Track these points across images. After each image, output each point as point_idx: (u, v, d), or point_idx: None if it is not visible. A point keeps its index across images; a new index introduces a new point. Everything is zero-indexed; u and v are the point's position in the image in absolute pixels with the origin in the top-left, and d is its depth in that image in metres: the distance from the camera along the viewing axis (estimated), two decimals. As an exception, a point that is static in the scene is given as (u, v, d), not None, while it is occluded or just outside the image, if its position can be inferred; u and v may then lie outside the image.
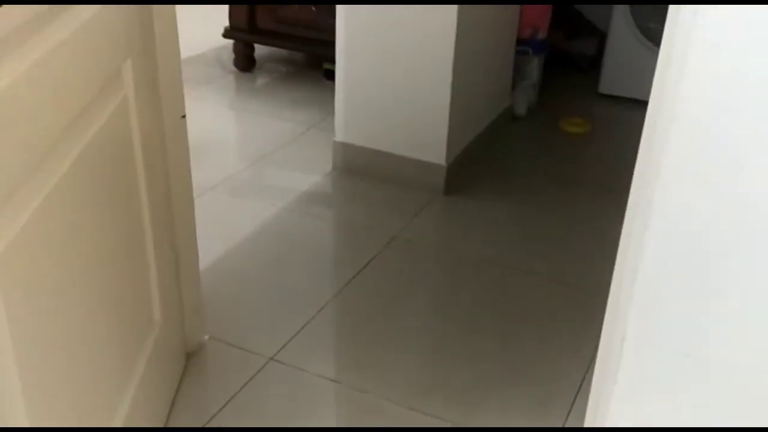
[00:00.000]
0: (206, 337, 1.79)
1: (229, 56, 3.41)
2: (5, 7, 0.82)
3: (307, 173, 2.52)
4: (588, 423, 1.20)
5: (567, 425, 1.60)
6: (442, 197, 2.43)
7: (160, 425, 1.53)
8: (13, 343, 0.86)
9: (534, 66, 3.01)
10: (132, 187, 1.33)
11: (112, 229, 1.23)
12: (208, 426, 1.56)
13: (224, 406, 1.61)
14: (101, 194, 1.17)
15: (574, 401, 1.65)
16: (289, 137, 2.78)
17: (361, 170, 2.51)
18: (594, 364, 1.18)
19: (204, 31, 3.53)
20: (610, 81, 3.20)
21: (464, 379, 1.72)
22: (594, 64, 3.37)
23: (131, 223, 1.34)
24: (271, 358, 1.75)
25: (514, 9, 2.77)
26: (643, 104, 1.05)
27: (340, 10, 2.35)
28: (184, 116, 1.55)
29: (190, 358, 1.74)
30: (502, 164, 2.68)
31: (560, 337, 1.86)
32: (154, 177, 1.43)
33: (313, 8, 3.08)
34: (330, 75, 2.53)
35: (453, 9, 2.21)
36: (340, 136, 2.52)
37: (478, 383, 1.71)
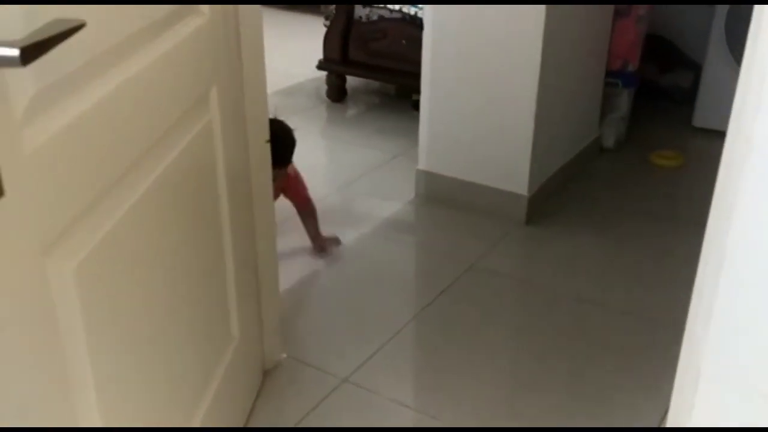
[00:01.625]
0: (284, 355, 1.84)
1: (322, 87, 3.52)
2: (99, 29, 0.89)
3: (391, 200, 2.56)
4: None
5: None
6: (523, 227, 2.42)
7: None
8: (89, 351, 0.92)
9: (624, 98, 2.97)
10: (214, 209, 1.40)
11: (192, 247, 1.29)
12: (280, 442, 1.60)
13: (298, 422, 1.65)
14: (183, 212, 1.23)
15: (650, 439, 1.60)
16: (375, 165, 2.83)
17: (443, 198, 2.53)
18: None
19: (301, 63, 3.66)
20: (704, 114, 3.12)
21: (537, 411, 1.69)
22: (688, 97, 3.28)
23: (212, 243, 1.41)
24: (345, 380, 1.78)
25: (603, 40, 2.74)
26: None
27: (427, 41, 2.40)
28: (268, 141, 1.62)
29: (268, 376, 1.78)
30: (587, 196, 2.64)
31: (638, 373, 1.81)
32: (237, 199, 1.49)
33: (404, 41, 3.14)
34: (418, 106, 2.57)
35: (539, 39, 2.22)
36: (423, 164, 2.55)
37: (551, 415, 1.68)
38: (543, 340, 1.93)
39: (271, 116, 2.04)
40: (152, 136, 1.08)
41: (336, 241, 2.26)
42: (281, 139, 2.07)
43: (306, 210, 2.25)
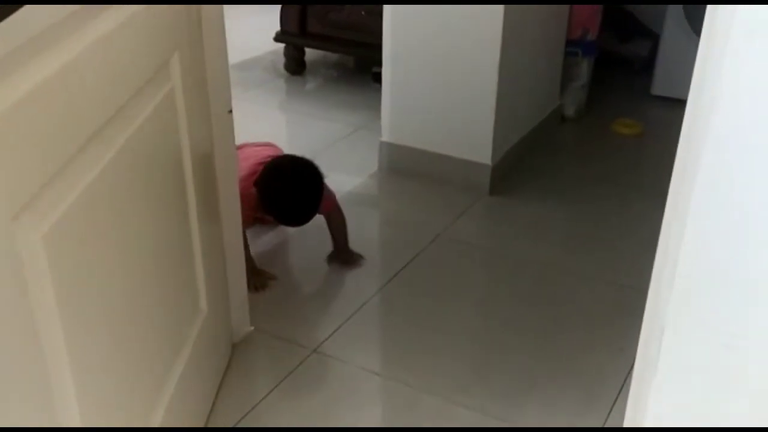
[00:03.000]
0: (251, 328, 1.83)
1: (280, 60, 3.48)
2: (57, -4, 0.87)
3: (354, 174, 2.55)
4: (629, 413, 1.19)
5: (608, 422, 1.58)
6: (487, 197, 2.43)
7: (206, 411, 1.57)
8: (60, 318, 0.90)
9: (584, 67, 2.99)
10: (179, 179, 1.38)
11: (158, 218, 1.27)
12: (254, 409, 1.60)
13: (268, 395, 1.64)
14: (147, 183, 1.21)
15: (616, 398, 1.63)
16: (337, 138, 2.82)
17: (407, 170, 2.52)
18: (635, 360, 1.17)
19: (257, 36, 3.61)
20: (663, 82, 3.16)
21: (506, 376, 1.71)
22: (647, 66, 3.32)
23: (178, 214, 1.39)
24: (315, 350, 1.78)
25: (562, 10, 2.75)
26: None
27: (387, 12, 2.38)
28: (230, 111, 1.59)
29: (236, 349, 1.77)
30: (550, 165, 2.66)
31: (604, 336, 1.84)
32: (201, 170, 1.47)
33: (363, 12, 3.11)
34: (378, 78, 2.56)
35: (499, 10, 2.22)
36: (386, 136, 2.55)
37: (521, 379, 1.70)
38: (510, 306, 1.95)
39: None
40: (116, 103, 1.05)
41: (361, 257, 2.11)
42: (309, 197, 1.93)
43: (337, 218, 2.09)
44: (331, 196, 2.08)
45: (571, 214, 2.37)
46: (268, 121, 3.03)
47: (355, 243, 2.13)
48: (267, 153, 2.09)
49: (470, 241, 2.24)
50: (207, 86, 1.50)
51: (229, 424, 1.56)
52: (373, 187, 2.52)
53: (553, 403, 1.63)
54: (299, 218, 1.97)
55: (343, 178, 2.46)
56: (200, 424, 1.54)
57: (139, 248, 1.18)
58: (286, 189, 1.92)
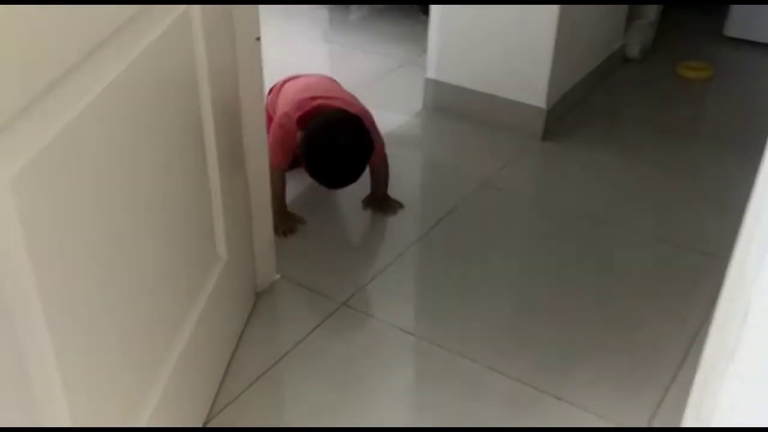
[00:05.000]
0: (277, 276, 1.71)
1: (324, -12, 3.28)
2: None
3: (396, 112, 2.38)
4: (693, 403, 1.03)
5: (665, 404, 1.42)
6: (539, 143, 2.25)
7: (224, 362, 1.46)
8: (36, 276, 0.78)
9: (651, 5, 2.73)
10: (194, 113, 1.23)
11: (167, 159, 1.13)
12: (274, 366, 1.48)
13: (292, 349, 1.53)
14: (156, 116, 1.07)
15: (675, 376, 1.47)
16: (379, 73, 2.64)
17: (453, 111, 2.34)
18: (702, 334, 1.01)
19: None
20: (737, 23, 2.89)
21: (551, 341, 1.57)
22: (720, 4, 3.04)
23: (192, 155, 1.25)
24: (344, 303, 1.65)
25: (633, -62, 2.50)
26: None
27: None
28: (258, 38, 1.43)
29: (260, 297, 1.66)
30: (609, 110, 2.45)
31: (664, 303, 1.67)
32: (222, 103, 1.32)
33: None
34: (427, 9, 2.36)
35: (563, -67, 1.99)
36: (432, 73, 2.36)
37: (567, 346, 1.55)
38: (559, 265, 1.79)
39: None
40: (115, 20, 0.90)
41: (399, 205, 1.95)
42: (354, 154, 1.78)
43: (381, 168, 1.94)
44: (380, 147, 1.92)
45: (632, 164, 2.18)
46: (309, 53, 2.86)
47: (393, 188, 1.98)
48: (321, 86, 1.95)
49: (519, 190, 2.07)
50: (231, 9, 1.34)
51: (250, 379, 1.45)
52: (416, 128, 2.35)
53: (601, 376, 1.48)
54: (342, 184, 1.84)
55: (385, 117, 2.28)
56: (218, 375, 1.44)
57: (142, 191, 1.04)
58: (331, 158, 1.78)
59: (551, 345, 1.55)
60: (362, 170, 1.82)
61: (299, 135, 1.81)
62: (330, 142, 1.77)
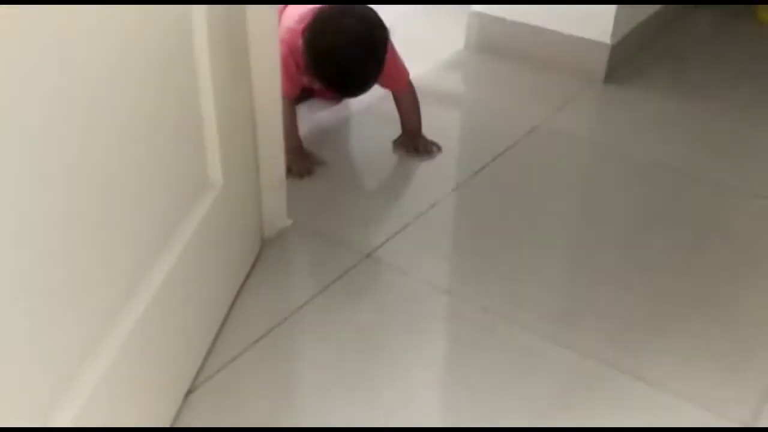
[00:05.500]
0: (289, 222, 1.43)
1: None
2: None
3: (434, 51, 2.07)
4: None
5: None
6: (600, 85, 1.93)
7: (218, 314, 1.19)
8: None
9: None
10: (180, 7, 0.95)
11: (141, 55, 0.86)
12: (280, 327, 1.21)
13: (304, 305, 1.25)
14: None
15: (779, 353, 1.17)
16: (421, 9, 2.32)
17: (501, 48, 2.03)
18: None
19: None
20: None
21: (626, 309, 1.27)
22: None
23: (176, 53, 0.97)
24: (368, 255, 1.37)
25: None
26: None
27: None
28: None
29: (267, 245, 1.38)
30: (678, 53, 2.13)
31: (756, 265, 1.37)
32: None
33: None
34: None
35: None
36: (478, 5, 2.05)
37: (646, 316, 1.26)
38: (625, 220, 1.49)
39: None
40: None
41: (436, 147, 1.66)
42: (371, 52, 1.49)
43: (409, 96, 1.65)
44: (400, 68, 1.63)
45: (702, 111, 1.85)
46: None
47: (430, 131, 1.68)
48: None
49: (576, 134, 1.77)
50: None
51: (249, 339, 1.18)
52: (458, 68, 2.05)
53: (692, 354, 1.18)
54: (353, 82, 1.52)
55: (422, 55, 1.99)
56: (209, 331, 1.16)
57: (99, 95, 0.77)
58: (337, 42, 1.47)
59: (625, 314, 1.26)
60: (378, 64, 1.50)
61: (301, 43, 1.51)
62: (336, 24, 1.48)
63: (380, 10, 1.55)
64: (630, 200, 1.54)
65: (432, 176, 1.61)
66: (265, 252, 1.37)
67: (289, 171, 1.49)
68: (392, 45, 1.57)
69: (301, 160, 1.57)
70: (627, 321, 1.24)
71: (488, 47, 2.06)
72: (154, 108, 0.92)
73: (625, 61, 1.98)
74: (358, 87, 1.54)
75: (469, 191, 1.56)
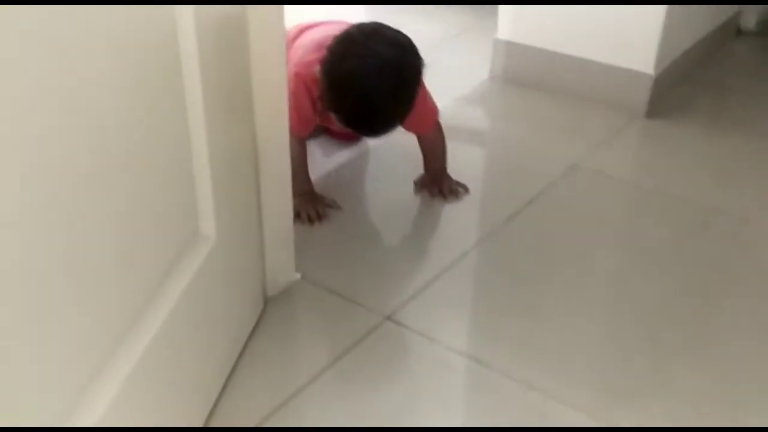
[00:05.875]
0: (297, 276, 1.24)
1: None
2: None
3: (455, 80, 1.89)
4: None
5: None
6: (643, 120, 1.75)
7: (211, 393, 1.00)
8: None
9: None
10: (169, 31, 0.78)
11: (125, 89, 0.68)
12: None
13: (316, 378, 1.06)
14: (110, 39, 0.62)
15: None
16: (440, 38, 2.15)
17: (530, 79, 1.86)
18: None
19: None
20: None
21: (690, 389, 1.07)
22: None
23: (163, 86, 0.79)
24: (388, 317, 1.18)
25: None
26: None
27: None
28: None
29: (272, 303, 1.19)
30: (721, 86, 1.95)
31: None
32: (214, 18, 0.87)
33: None
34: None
35: None
36: (504, 32, 1.88)
37: (714, 396, 1.06)
38: (671, 270, 1.30)
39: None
40: None
41: (463, 188, 1.47)
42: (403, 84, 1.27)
43: (434, 135, 1.46)
44: (430, 107, 1.44)
45: (751, 150, 1.66)
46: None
47: (454, 172, 1.51)
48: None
49: (619, 175, 1.58)
50: None
51: (249, 421, 0.99)
52: (482, 100, 1.87)
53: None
54: (376, 119, 1.28)
55: (441, 87, 1.79)
56: (200, 412, 0.97)
57: (71, 137, 0.59)
58: (361, 68, 1.24)
59: (694, 397, 1.06)
60: (408, 100, 1.27)
61: (318, 71, 1.30)
62: (360, 47, 1.25)
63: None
64: (685, 253, 1.35)
65: (459, 223, 1.43)
66: (268, 313, 1.18)
67: (297, 216, 1.31)
68: (423, 84, 1.37)
69: (311, 204, 1.38)
70: (696, 407, 1.04)
71: (515, 78, 1.88)
72: (132, 147, 0.74)
73: (667, 94, 1.80)
74: (381, 125, 1.30)
75: (501, 241, 1.37)
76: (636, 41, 1.71)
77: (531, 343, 1.14)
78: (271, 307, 1.19)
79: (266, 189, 1.12)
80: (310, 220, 1.36)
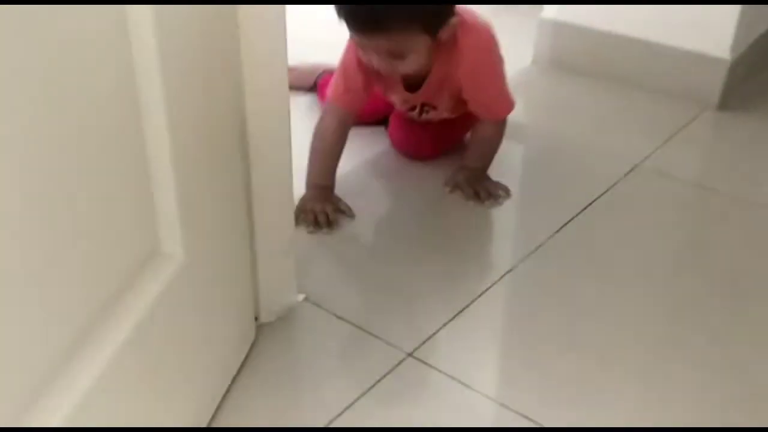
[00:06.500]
0: (300, 297, 1.02)
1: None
2: None
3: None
4: None
5: None
6: (714, 112, 1.49)
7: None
8: None
9: None
10: None
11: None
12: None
13: (326, 426, 0.84)
14: None
15: None
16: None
17: (579, 64, 1.61)
18: None
19: None
20: None
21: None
22: None
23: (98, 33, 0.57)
24: (410, 354, 0.95)
25: None
26: None
27: None
28: None
29: (265, 331, 0.97)
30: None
31: None
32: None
33: None
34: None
35: None
36: (550, 10, 1.63)
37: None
38: (753, 296, 1.05)
39: None
40: None
41: (505, 191, 1.24)
42: None
43: (494, 125, 1.25)
44: (507, 100, 1.25)
45: None
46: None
47: (491, 172, 1.27)
48: None
49: (685, 178, 1.32)
50: None
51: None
52: (525, 89, 1.61)
53: None
54: None
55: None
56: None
57: None
58: None
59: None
60: None
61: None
62: None
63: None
64: (746, 260, 1.10)
65: (498, 235, 1.20)
66: (261, 344, 0.95)
67: (303, 216, 1.10)
68: (501, 61, 1.21)
69: (320, 204, 1.16)
70: None
71: (563, 63, 1.63)
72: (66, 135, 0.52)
73: (744, 82, 1.54)
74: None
75: (549, 257, 1.12)
76: (708, 20, 1.44)
77: (587, 395, 0.90)
78: (264, 337, 0.96)
79: (259, 188, 0.89)
80: (315, 222, 1.14)
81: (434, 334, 0.98)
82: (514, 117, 1.29)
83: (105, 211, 0.61)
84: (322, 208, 1.16)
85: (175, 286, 0.71)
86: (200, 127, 0.73)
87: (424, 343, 0.96)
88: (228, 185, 0.83)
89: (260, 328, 0.96)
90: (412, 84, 1.22)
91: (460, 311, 1.01)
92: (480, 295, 1.04)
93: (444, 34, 1.11)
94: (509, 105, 1.24)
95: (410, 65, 1.13)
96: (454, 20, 1.11)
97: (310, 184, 1.17)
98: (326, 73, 1.41)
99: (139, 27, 0.61)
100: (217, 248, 0.81)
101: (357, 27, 1.10)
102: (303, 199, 1.15)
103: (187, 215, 0.70)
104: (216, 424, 0.84)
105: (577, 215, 1.21)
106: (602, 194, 1.25)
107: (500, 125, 1.26)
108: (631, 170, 1.31)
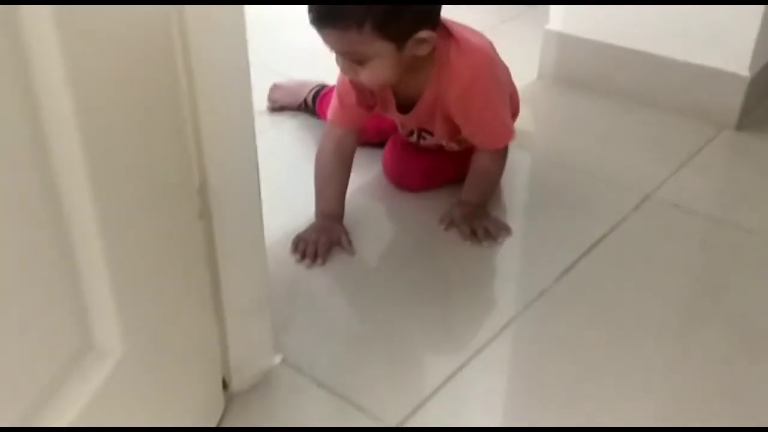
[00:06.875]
0: (277, 359, 0.92)
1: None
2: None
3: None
4: None
5: None
6: (732, 133, 1.38)
7: None
8: None
9: None
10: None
11: None
12: None
13: None
14: None
15: None
16: (479, 29, 1.79)
17: (588, 80, 1.51)
18: None
19: None
20: None
21: None
22: None
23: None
24: (400, 428, 0.84)
25: None
26: None
27: None
28: None
29: (236, 404, 0.87)
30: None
31: None
32: None
33: None
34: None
35: None
36: (557, 22, 1.53)
37: None
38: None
39: None
40: None
41: (506, 230, 1.14)
42: None
43: (490, 159, 1.16)
44: (506, 128, 1.14)
45: None
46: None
47: (494, 205, 1.17)
48: None
49: (702, 209, 1.21)
50: None
51: None
52: (530, 105, 1.50)
53: None
54: None
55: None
56: None
57: None
58: None
59: None
60: None
61: None
62: None
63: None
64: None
65: (498, 278, 1.09)
66: (232, 417, 0.85)
67: (300, 243, 1.07)
68: (499, 85, 1.12)
69: (318, 233, 1.08)
70: None
71: (570, 77, 1.53)
72: None
73: (761, 101, 1.43)
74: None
75: (555, 304, 1.02)
76: (726, 33, 1.34)
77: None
78: (235, 410, 0.86)
79: (224, 242, 0.79)
80: (303, 256, 1.06)
81: (426, 400, 0.88)
82: (515, 139, 1.18)
83: (22, 305, 0.51)
84: (317, 239, 1.07)
85: (114, 383, 0.61)
86: (137, 184, 0.63)
87: (415, 411, 0.86)
88: (181, 247, 0.73)
89: (231, 397, 0.87)
90: (405, 105, 1.13)
91: (454, 373, 0.91)
92: (476, 354, 0.94)
93: (417, 48, 1.01)
94: (507, 134, 1.14)
95: (372, 74, 1.02)
96: (428, 35, 1.00)
97: (316, 212, 1.12)
98: (325, 89, 1.34)
99: (48, 74, 0.51)
100: (167, 323, 0.71)
101: (311, 18, 1.00)
102: (308, 227, 1.10)
103: (125, 298, 0.60)
104: None
105: (584, 254, 1.10)
106: (611, 230, 1.15)
107: (499, 156, 1.16)
108: (643, 201, 1.21)
